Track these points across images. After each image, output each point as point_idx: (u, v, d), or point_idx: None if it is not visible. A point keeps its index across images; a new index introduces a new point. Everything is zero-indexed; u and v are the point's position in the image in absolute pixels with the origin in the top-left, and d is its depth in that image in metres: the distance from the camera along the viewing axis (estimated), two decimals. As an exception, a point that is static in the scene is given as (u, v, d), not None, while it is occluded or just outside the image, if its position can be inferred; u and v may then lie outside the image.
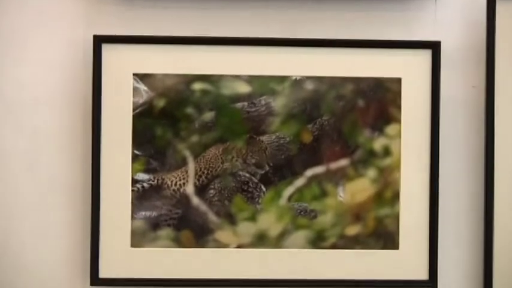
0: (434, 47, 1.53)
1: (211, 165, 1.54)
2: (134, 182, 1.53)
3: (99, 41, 1.51)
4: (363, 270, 1.54)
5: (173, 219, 1.54)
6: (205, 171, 1.54)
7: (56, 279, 1.56)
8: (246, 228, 1.54)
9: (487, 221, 1.54)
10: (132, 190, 1.53)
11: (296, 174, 1.54)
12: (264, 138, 1.54)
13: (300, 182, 1.54)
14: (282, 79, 1.53)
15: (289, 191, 1.54)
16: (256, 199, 1.54)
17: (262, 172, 1.54)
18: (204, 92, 1.53)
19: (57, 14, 1.56)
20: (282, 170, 1.54)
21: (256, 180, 1.54)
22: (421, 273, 1.55)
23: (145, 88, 1.53)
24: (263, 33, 1.54)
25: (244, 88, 1.53)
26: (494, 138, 1.53)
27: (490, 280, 1.53)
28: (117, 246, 1.53)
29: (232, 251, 1.54)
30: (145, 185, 1.53)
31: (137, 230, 1.53)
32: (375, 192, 1.54)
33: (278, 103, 1.53)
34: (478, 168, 1.57)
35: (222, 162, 1.54)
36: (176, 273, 1.53)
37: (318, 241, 1.54)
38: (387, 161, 1.54)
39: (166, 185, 1.54)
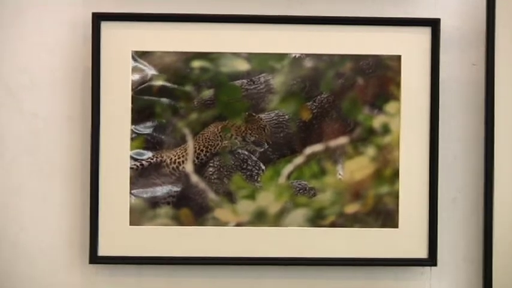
0: (433, 24, 1.53)
1: (210, 143, 1.53)
2: (133, 159, 1.53)
3: (98, 19, 1.51)
4: (362, 248, 1.54)
5: (172, 197, 1.53)
6: (204, 149, 1.53)
7: (55, 257, 1.56)
8: (245, 206, 1.53)
9: (487, 199, 1.53)
10: (131, 168, 1.53)
11: (295, 152, 1.54)
12: (263, 115, 1.53)
13: (299, 160, 1.54)
14: (281, 56, 1.53)
15: (288, 169, 1.54)
16: (255, 177, 1.54)
17: (261, 150, 1.54)
18: (203, 70, 1.53)
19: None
20: (281, 147, 1.54)
21: (255, 158, 1.54)
22: (421, 252, 1.54)
23: (144, 66, 1.52)
24: (262, 10, 1.54)
25: (243, 66, 1.53)
26: (494, 116, 1.53)
27: (490, 258, 1.53)
28: (116, 224, 1.52)
29: (231, 229, 1.53)
30: (144, 162, 1.53)
31: (136, 208, 1.53)
32: (374, 170, 1.54)
33: (277, 80, 1.53)
34: (477, 146, 1.57)
35: (221, 140, 1.53)
36: (175, 251, 1.53)
37: (317, 219, 1.54)
38: (386, 139, 1.54)
39: (165, 163, 1.53)
